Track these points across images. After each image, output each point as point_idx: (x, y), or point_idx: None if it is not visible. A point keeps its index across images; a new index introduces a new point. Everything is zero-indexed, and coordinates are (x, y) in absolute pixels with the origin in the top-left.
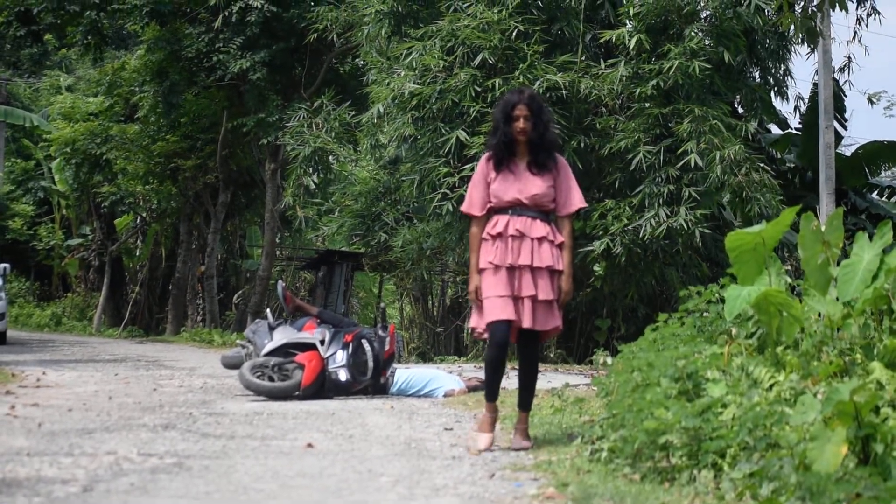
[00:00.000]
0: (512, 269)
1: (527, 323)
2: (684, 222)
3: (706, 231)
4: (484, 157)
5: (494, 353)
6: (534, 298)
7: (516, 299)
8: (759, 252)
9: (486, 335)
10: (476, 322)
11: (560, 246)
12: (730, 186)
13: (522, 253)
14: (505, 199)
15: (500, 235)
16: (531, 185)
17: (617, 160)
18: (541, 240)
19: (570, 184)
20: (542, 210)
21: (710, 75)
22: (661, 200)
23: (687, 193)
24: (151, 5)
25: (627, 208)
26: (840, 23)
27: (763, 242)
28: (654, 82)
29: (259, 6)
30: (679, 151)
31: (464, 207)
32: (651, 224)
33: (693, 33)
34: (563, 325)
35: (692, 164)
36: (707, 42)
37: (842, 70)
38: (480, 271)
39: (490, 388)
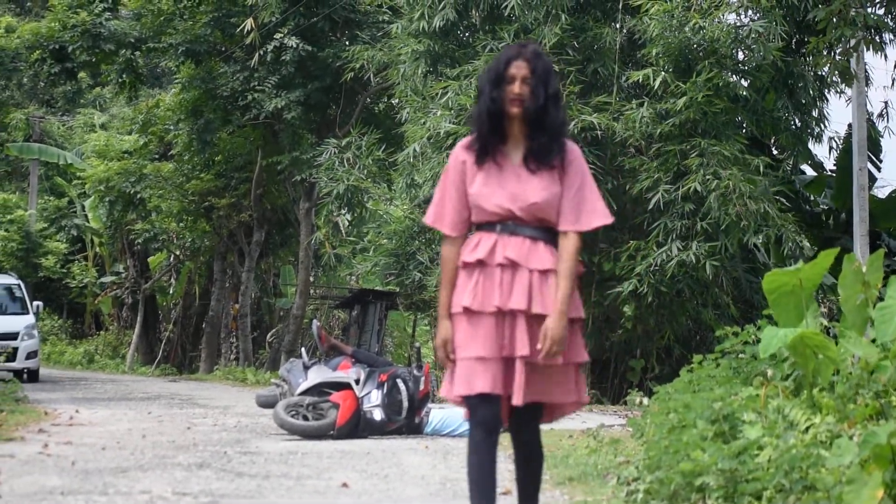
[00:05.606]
0: (501, 315)
1: (517, 398)
2: (694, 255)
3: (715, 264)
4: (460, 144)
5: (477, 442)
6: (532, 360)
7: (507, 361)
8: (798, 295)
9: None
10: (449, 390)
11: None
12: (728, 216)
13: (516, 291)
14: (489, 209)
15: (481, 263)
16: (530, 189)
17: (642, 200)
18: (545, 273)
19: (585, 183)
20: (546, 226)
21: (725, 109)
22: (675, 235)
23: (700, 227)
24: (187, 44)
25: (653, 247)
26: (880, 66)
27: (801, 284)
28: (672, 120)
29: (294, 45)
30: (687, 183)
31: (428, 219)
32: (663, 258)
33: (703, 67)
34: (586, 398)
35: (691, 192)
36: (731, 77)
37: (880, 116)
38: (451, 316)
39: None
